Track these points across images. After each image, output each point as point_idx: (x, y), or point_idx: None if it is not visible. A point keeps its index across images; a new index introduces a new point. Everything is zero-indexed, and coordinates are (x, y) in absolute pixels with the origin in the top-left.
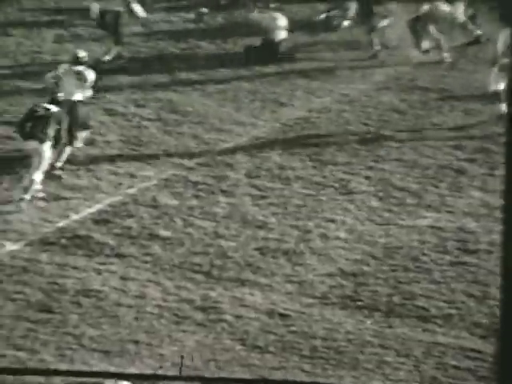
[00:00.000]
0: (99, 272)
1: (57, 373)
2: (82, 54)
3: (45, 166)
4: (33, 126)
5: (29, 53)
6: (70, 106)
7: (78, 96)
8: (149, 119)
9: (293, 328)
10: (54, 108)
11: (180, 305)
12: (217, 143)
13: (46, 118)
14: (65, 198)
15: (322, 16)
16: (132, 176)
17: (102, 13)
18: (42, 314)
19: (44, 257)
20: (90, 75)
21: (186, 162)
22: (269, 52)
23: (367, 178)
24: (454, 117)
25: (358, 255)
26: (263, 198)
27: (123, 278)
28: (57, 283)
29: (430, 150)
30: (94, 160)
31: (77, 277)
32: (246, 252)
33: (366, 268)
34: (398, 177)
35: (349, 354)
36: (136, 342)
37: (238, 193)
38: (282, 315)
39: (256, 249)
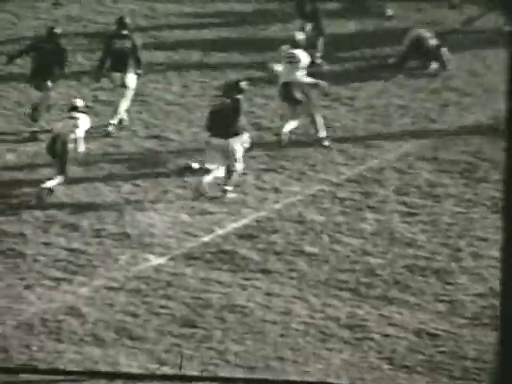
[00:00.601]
0: (244, 287)
1: (57, 372)
2: (300, 36)
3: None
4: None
5: None
6: (285, 88)
7: (292, 78)
8: (296, 134)
9: (442, 348)
10: None
11: (326, 322)
12: (365, 159)
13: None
14: (210, 213)
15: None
16: (278, 191)
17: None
18: (185, 329)
19: (189, 271)
20: (304, 58)
21: (333, 178)
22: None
23: None
24: None
25: None
26: (412, 215)
27: (268, 294)
28: (201, 298)
29: None
30: (240, 175)
31: (221, 292)
32: (394, 270)
33: None
34: None
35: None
36: (281, 359)
37: (387, 209)
38: (431, 335)
39: (404, 267)
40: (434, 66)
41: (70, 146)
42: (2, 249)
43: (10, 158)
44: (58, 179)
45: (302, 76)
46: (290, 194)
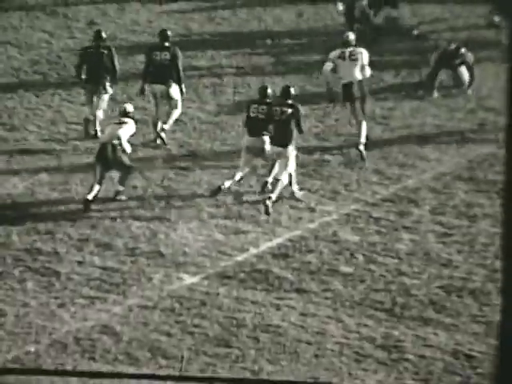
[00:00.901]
0: (278, 307)
1: (56, 373)
2: (351, 36)
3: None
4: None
5: None
6: (352, 87)
7: (358, 76)
8: (331, 153)
9: (479, 370)
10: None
11: (361, 342)
12: (400, 178)
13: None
14: (244, 232)
15: None
16: (312, 210)
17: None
18: (220, 349)
19: (222, 290)
20: (364, 54)
21: (369, 198)
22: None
23: None
24: None
25: None
26: (448, 235)
27: (303, 314)
28: (235, 317)
29: None
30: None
31: (255, 311)
32: (430, 290)
33: None
34: None
35: None
36: (316, 379)
37: (422, 229)
38: (467, 356)
39: (440, 287)
40: (465, 77)
41: (119, 149)
42: (36, 267)
43: (44, 177)
44: (97, 188)
45: (360, 74)
46: (324, 214)
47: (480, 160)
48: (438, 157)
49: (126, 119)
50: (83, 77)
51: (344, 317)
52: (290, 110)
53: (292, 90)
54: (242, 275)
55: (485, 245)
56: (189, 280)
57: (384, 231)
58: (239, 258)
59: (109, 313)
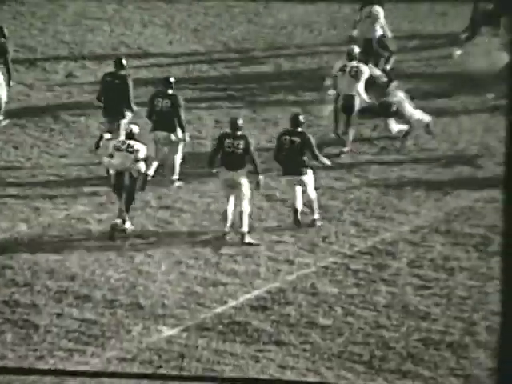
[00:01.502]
0: (257, 359)
1: (55, 372)
2: (356, 50)
3: None
4: None
5: None
6: (348, 100)
7: (354, 91)
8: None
9: None
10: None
11: None
12: (378, 231)
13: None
14: (223, 284)
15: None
16: (291, 263)
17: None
18: None
19: (201, 342)
20: (365, 70)
21: (347, 250)
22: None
23: None
24: None
25: None
26: (426, 288)
27: (281, 366)
28: (214, 369)
29: None
30: (253, 246)
31: (234, 363)
32: (408, 343)
33: None
34: None
35: None
36: None
37: (400, 282)
38: None
39: (418, 340)
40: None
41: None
42: (14, 319)
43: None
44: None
45: (361, 89)
46: (303, 266)
47: (457, 213)
48: (415, 210)
49: (136, 145)
50: (102, 103)
51: (322, 369)
52: (299, 140)
53: (301, 118)
54: (220, 327)
55: (462, 298)
56: (167, 332)
57: (362, 284)
58: (218, 310)
59: (87, 365)
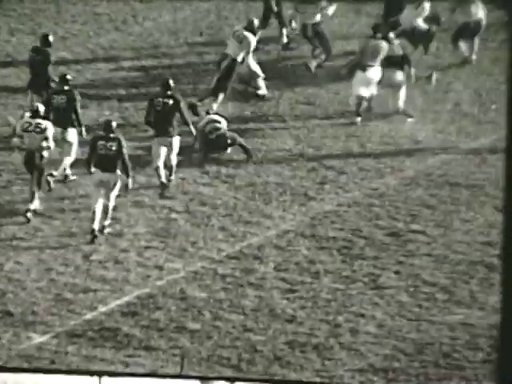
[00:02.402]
0: (127, 364)
1: (54, 371)
2: (256, 22)
3: None
4: None
5: None
6: (231, 64)
7: (239, 57)
8: (177, 211)
9: None
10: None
11: None
12: (245, 236)
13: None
14: (92, 290)
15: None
16: (160, 268)
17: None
18: None
19: (71, 349)
20: (252, 41)
21: (215, 255)
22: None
23: (397, 272)
24: (484, 212)
25: (389, 351)
26: (292, 291)
27: (151, 371)
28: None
29: (460, 246)
30: (123, 252)
31: (104, 369)
32: (275, 346)
33: (396, 364)
34: (428, 272)
35: None
36: None
37: (267, 286)
38: None
39: (285, 343)
40: None
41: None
42: None
43: None
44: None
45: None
46: (172, 271)
47: (321, 217)
48: (281, 214)
49: (43, 123)
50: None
51: (191, 373)
52: (171, 102)
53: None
54: (90, 333)
55: (327, 300)
56: (38, 339)
57: (230, 288)
58: (88, 317)
59: None
